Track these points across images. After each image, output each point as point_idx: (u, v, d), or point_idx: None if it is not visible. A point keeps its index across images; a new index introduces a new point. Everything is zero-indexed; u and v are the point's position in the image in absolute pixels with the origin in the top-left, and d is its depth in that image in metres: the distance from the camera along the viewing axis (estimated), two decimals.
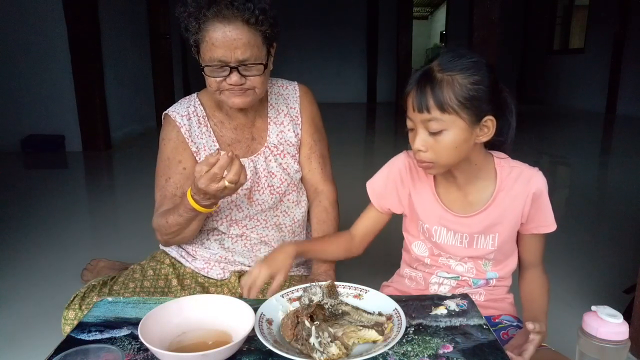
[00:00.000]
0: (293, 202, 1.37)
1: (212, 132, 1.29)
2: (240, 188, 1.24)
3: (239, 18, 1.09)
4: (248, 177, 1.26)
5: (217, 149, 1.00)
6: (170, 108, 1.31)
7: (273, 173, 1.32)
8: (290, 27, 9.51)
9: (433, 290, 1.10)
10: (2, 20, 4.51)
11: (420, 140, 0.93)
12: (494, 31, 2.32)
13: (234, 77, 1.14)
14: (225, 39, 1.10)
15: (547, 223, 1.02)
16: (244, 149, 1.31)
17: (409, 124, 0.96)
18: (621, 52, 7.51)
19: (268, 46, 1.18)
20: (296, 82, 1.41)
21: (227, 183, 1.00)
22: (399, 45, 7.64)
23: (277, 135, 1.33)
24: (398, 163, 1.10)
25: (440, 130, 0.91)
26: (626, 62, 7.46)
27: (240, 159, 1.26)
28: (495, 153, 1.04)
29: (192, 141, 1.27)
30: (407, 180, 1.08)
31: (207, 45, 1.12)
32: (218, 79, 1.15)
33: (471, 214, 1.03)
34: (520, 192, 1.00)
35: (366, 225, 1.16)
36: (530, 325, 0.86)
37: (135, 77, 5.95)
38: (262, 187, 1.31)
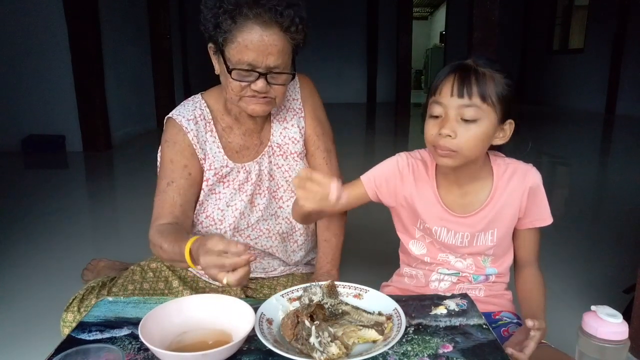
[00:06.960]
0: None
1: (216, 138, 1.22)
2: (244, 193, 1.23)
3: (278, 24, 1.04)
4: (252, 181, 1.24)
5: (242, 245, 0.86)
6: (174, 111, 1.22)
7: (273, 176, 1.28)
8: None
9: (434, 287, 1.10)
10: (3, 20, 4.52)
11: (450, 125, 0.93)
12: (494, 31, 2.32)
13: (260, 84, 1.08)
14: (262, 43, 1.04)
15: (544, 216, 1.04)
16: (252, 155, 1.26)
17: (438, 110, 0.95)
18: (621, 52, 7.52)
19: (294, 56, 1.14)
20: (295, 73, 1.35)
21: (226, 281, 0.88)
22: (399, 45, 7.64)
23: (281, 133, 1.28)
24: (400, 160, 1.09)
25: (475, 119, 0.92)
26: (626, 62, 7.46)
27: (246, 163, 1.24)
28: (490, 152, 1.05)
29: (200, 147, 1.19)
30: (409, 179, 1.08)
31: (239, 47, 1.05)
32: (243, 84, 1.09)
33: (470, 214, 1.04)
34: (516, 188, 1.03)
35: (350, 202, 1.12)
36: (530, 322, 0.87)
37: (136, 77, 5.95)
38: (262, 191, 1.27)
